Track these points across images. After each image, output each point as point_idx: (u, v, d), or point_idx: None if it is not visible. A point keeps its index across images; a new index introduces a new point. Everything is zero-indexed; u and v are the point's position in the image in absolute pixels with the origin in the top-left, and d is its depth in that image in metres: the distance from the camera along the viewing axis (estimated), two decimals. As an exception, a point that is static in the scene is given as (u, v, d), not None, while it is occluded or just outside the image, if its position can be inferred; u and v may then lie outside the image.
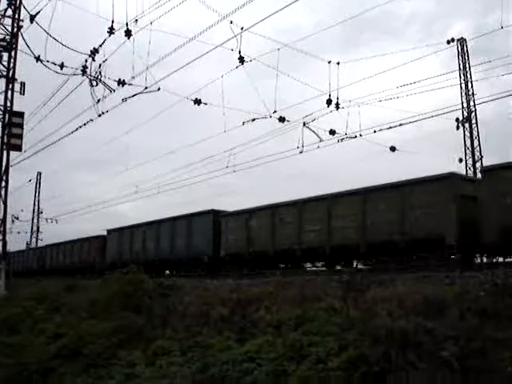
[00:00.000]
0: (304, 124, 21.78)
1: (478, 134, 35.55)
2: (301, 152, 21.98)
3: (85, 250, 43.57)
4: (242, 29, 17.10)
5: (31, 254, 56.24)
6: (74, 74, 19.01)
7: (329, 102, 20.16)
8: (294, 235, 24.55)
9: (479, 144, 35.53)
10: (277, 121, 21.26)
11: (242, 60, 17.84)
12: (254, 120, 21.36)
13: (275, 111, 20.67)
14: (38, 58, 18.69)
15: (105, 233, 41.56)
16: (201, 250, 29.74)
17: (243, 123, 21.79)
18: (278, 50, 19.78)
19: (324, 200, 23.48)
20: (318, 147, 22.01)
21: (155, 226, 34.86)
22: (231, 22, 16.92)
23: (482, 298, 10.74)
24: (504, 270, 12.13)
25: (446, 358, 9.27)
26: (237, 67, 18.18)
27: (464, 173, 32.85)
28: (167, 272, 34.18)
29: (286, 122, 21.62)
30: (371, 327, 10.53)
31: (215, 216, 29.74)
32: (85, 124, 20.88)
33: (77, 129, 21.24)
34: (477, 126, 35.58)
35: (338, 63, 20.59)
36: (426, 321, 10.38)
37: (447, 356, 9.30)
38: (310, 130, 21.72)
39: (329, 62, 20.56)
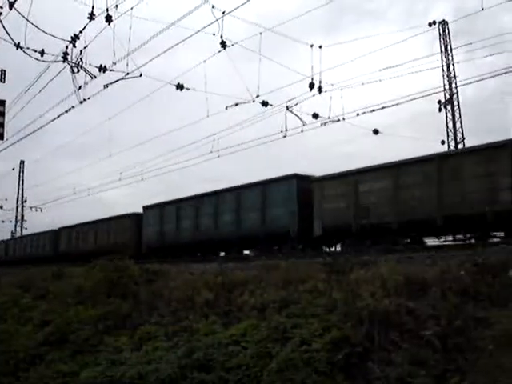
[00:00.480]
0: (287, 108, 21.74)
1: (460, 116, 35.79)
2: (284, 136, 21.93)
3: (113, 231, 37.54)
4: (223, 13, 17.01)
5: (42, 239, 48.80)
6: (55, 61, 18.70)
7: (311, 85, 20.11)
8: (432, 199, 18.84)
9: (461, 126, 35.78)
10: (260, 105, 21.18)
11: (223, 45, 17.74)
12: (236, 105, 21.27)
13: (258, 96, 20.62)
14: (18, 46, 18.42)
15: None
16: (281, 224, 24.23)
17: (226, 108, 21.72)
18: (260, 34, 19.67)
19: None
20: (302, 131, 21.98)
21: (213, 198, 29.08)
22: (213, 7, 16.84)
23: (463, 277, 10.87)
24: (484, 250, 12.28)
25: (428, 338, 9.42)
26: (219, 52, 18.07)
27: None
28: (222, 253, 29.10)
29: (269, 107, 21.53)
30: (354, 308, 10.66)
31: (301, 181, 24.37)
32: (67, 111, 20.61)
33: (59, 116, 20.95)
34: (459, 107, 35.80)
35: (321, 47, 20.51)
36: (408, 301, 10.54)
37: (429, 335, 9.45)
38: (293, 114, 21.69)
39: (311, 46, 20.49)
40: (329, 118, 21.31)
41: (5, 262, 52.18)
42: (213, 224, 28.33)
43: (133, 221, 35.49)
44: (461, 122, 35.70)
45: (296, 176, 24.44)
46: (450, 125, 35.65)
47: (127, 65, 17.85)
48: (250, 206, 26.31)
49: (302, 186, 24.06)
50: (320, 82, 20.06)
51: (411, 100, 19.77)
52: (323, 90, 20.31)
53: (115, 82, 18.59)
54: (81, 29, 17.29)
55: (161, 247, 31.85)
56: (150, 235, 33.29)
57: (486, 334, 9.14)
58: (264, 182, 26.15)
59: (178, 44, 18.49)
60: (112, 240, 36.66)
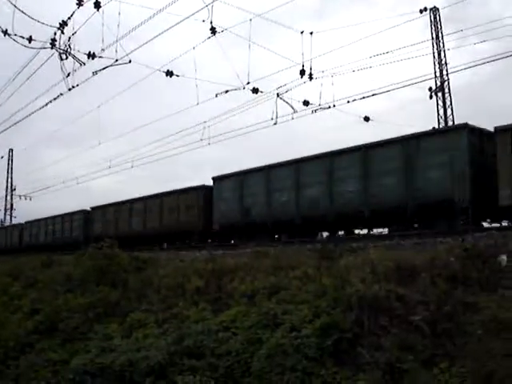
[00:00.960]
0: (278, 95, 21.65)
1: (451, 103, 35.74)
2: (275, 123, 21.84)
3: (172, 208, 30.99)
4: (213, -2, 16.87)
5: (68, 222, 41.52)
6: (43, 48, 18.52)
7: (302, 72, 20.01)
8: None
9: (452, 113, 35.74)
10: (250, 92, 21.06)
11: (213, 31, 17.61)
12: (227, 92, 21.13)
13: (249, 82, 20.50)
14: (5, 32, 18.22)
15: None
16: (439, 191, 18.09)
17: (216, 95, 21.59)
18: (250, 20, 19.55)
19: None
20: (292, 118, 21.89)
21: (321, 162, 22.52)
22: (202, -8, 16.70)
23: (453, 263, 10.90)
24: (473, 236, 12.32)
25: (417, 323, 9.44)
26: (209, 38, 17.94)
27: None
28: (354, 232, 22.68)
29: (259, 94, 21.41)
30: (344, 294, 10.66)
31: (471, 135, 18.19)
32: (55, 98, 20.44)
33: (47, 103, 20.78)
34: (449, 94, 35.77)
35: (311, 33, 20.41)
36: (397, 287, 10.55)
37: (418, 320, 9.48)
38: (284, 101, 21.59)
39: (301, 33, 20.38)
40: (319, 105, 21.25)
41: (20, 249, 45.08)
42: (326, 196, 21.98)
43: (200, 195, 29.35)
44: (452, 109, 35.69)
45: (466, 127, 18.30)
46: (441, 112, 35.66)
47: (116, 51, 17.68)
48: (383, 169, 20.14)
49: (472, 141, 18.34)
50: (311, 68, 19.98)
51: (402, 87, 19.73)
52: (314, 76, 20.24)
53: (104, 68, 18.42)
54: (69, 15, 17.15)
55: (241, 225, 25.92)
56: (224, 211, 27.03)
57: (475, 319, 9.19)
58: (406, 137, 20.05)
59: (167, 30, 18.35)
60: (170, 219, 30.98)
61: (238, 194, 26.27)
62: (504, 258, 10.79)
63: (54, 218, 44.22)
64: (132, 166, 31.73)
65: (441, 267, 10.89)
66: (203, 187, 29.34)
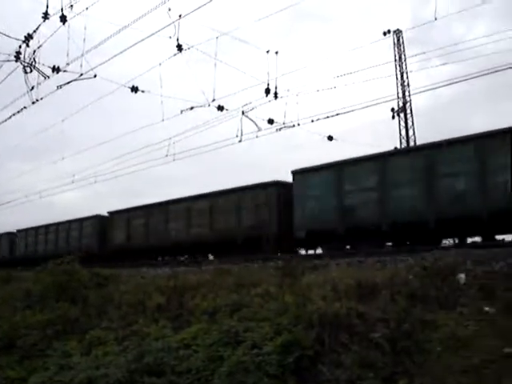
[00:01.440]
0: (243, 113, 21.76)
1: (413, 124, 36.34)
2: (240, 141, 21.93)
3: (229, 211, 25.97)
4: (179, 16, 16.96)
5: (77, 229, 37.31)
6: (8, 61, 18.39)
7: (267, 91, 20.18)
8: None
9: (414, 133, 36.34)
10: (215, 109, 21.14)
11: (180, 48, 17.68)
12: (192, 108, 21.17)
13: (214, 100, 20.58)
14: (-32, 45, 18.02)
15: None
16: None
17: (181, 112, 21.60)
18: (217, 38, 19.68)
19: None
20: (257, 136, 22.01)
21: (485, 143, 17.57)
22: (169, 10, 16.78)
23: (412, 281, 11.05)
24: (433, 254, 12.51)
25: (377, 340, 9.51)
26: (175, 55, 18.00)
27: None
28: None
29: (224, 111, 21.49)
30: (305, 312, 10.70)
31: None
32: (18, 111, 20.24)
33: (10, 117, 20.55)
34: (412, 115, 36.36)
35: (277, 52, 20.64)
36: (358, 304, 10.64)
37: (378, 338, 9.55)
38: (249, 118, 21.71)
39: (267, 52, 20.58)
40: (284, 123, 21.42)
41: (11, 262, 40.11)
42: (476, 189, 17.36)
43: (273, 193, 24.44)
44: (413, 130, 36.27)
45: None
46: (404, 132, 36.23)
47: (81, 66, 17.62)
48: None
49: None
50: (276, 87, 20.16)
51: (365, 107, 20.04)
52: (279, 95, 20.42)
53: (69, 82, 18.32)
54: (35, 28, 17.04)
55: (340, 230, 20.92)
56: (311, 213, 22.09)
57: (434, 337, 9.29)
58: None
59: (133, 46, 18.35)
60: (227, 224, 25.96)
61: (335, 191, 21.46)
62: (462, 276, 10.99)
63: (57, 224, 39.81)
64: (95, 182, 31.29)
65: (400, 285, 11.03)
66: (277, 183, 24.71)
